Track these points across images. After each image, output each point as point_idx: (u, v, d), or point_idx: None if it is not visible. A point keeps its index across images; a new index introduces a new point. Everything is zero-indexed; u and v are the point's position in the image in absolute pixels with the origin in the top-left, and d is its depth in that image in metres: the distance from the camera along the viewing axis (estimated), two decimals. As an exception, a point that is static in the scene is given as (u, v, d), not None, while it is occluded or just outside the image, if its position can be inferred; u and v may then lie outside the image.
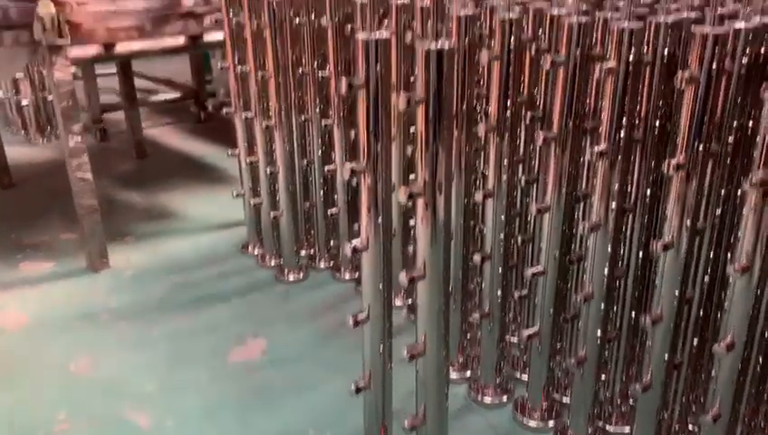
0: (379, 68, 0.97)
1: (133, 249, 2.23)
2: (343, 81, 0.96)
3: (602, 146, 1.12)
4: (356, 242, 1.08)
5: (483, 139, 1.38)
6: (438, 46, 0.88)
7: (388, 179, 1.06)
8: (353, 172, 1.02)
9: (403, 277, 0.99)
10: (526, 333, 1.34)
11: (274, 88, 1.84)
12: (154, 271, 2.08)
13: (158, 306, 1.87)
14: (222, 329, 1.76)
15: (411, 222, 1.71)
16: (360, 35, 0.96)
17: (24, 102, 3.44)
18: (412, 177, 1.61)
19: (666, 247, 1.07)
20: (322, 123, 1.88)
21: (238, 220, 2.31)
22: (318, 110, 1.89)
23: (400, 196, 0.96)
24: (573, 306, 1.36)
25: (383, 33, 0.97)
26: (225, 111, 2.03)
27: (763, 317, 1.04)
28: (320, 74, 1.79)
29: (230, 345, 1.68)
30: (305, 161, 2.00)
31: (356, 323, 1.12)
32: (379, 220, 1.08)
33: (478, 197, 1.35)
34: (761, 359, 1.13)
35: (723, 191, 1.14)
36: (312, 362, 1.62)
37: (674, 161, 1.03)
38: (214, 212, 2.51)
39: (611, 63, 1.09)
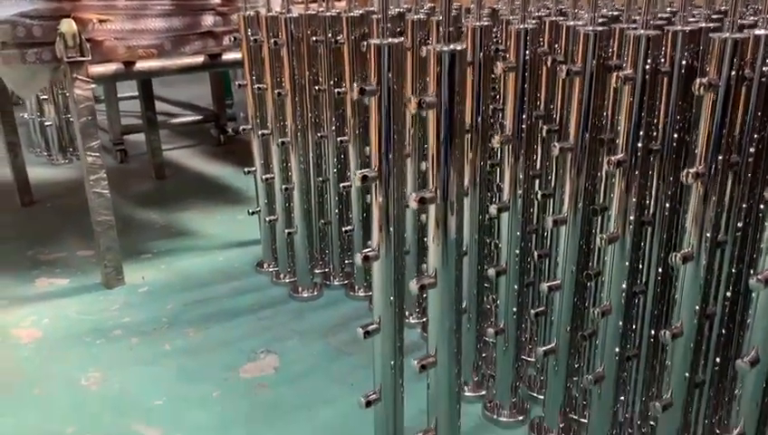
0: (391, 75, 0.96)
1: (149, 266, 2.23)
2: (355, 87, 0.96)
3: (620, 155, 1.10)
4: (367, 251, 1.07)
5: (498, 151, 1.37)
6: (451, 48, 0.87)
7: (401, 188, 1.05)
8: (365, 179, 1.01)
9: (413, 285, 0.97)
10: (542, 349, 1.31)
11: (291, 105, 1.85)
12: (168, 288, 2.08)
13: (171, 322, 1.86)
14: (234, 345, 1.74)
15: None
16: (374, 41, 0.96)
17: (48, 123, 3.50)
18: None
19: (685, 259, 1.05)
20: (338, 140, 1.88)
21: (254, 239, 2.32)
22: (334, 128, 1.89)
23: (411, 202, 0.94)
24: (591, 322, 1.33)
25: (396, 40, 0.96)
26: (242, 127, 2.04)
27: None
28: (336, 91, 1.80)
29: (242, 361, 1.66)
30: (320, 179, 1.99)
31: (366, 335, 1.10)
32: (391, 229, 1.07)
33: (493, 210, 1.32)
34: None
35: (744, 205, 1.12)
36: (324, 379, 1.59)
37: (692, 170, 1.01)
38: (230, 231, 2.52)
39: (628, 71, 1.07)
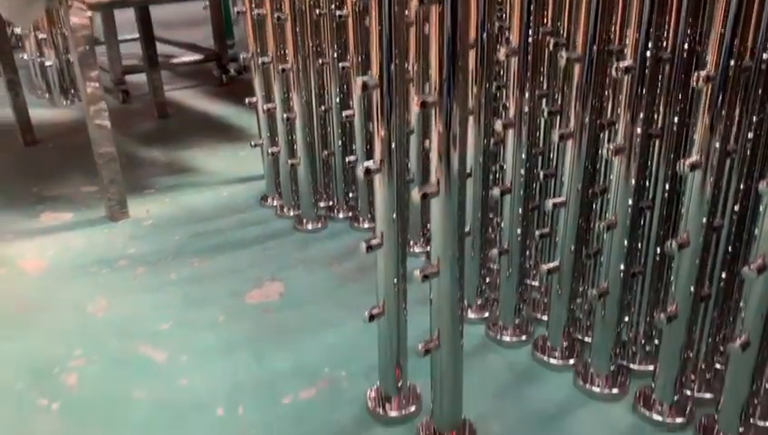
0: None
1: (153, 201, 2.23)
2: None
3: (628, 62, 1.07)
4: (369, 163, 1.05)
5: (504, 69, 1.34)
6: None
7: (403, 96, 1.03)
8: (366, 86, 0.98)
9: (416, 194, 0.96)
10: (546, 267, 1.30)
11: (291, 32, 1.80)
12: (173, 221, 2.08)
13: (177, 253, 1.87)
14: (239, 273, 1.75)
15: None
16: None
17: (48, 64, 3.45)
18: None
19: (693, 167, 1.02)
20: (340, 67, 1.84)
21: (257, 175, 2.30)
22: (336, 54, 1.85)
23: (414, 105, 0.92)
24: (596, 240, 1.32)
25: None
26: (242, 56, 2.01)
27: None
28: (338, 15, 1.75)
29: (247, 288, 1.67)
30: (323, 108, 1.96)
31: (369, 249, 1.09)
32: (393, 144, 1.05)
33: (499, 127, 1.30)
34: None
35: (754, 117, 1.09)
36: (328, 304, 1.60)
37: (703, 73, 0.98)
38: (233, 167, 2.50)
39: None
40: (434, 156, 0.96)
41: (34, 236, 2.00)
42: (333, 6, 1.77)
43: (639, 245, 1.28)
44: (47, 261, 1.84)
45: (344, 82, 1.90)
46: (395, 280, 1.15)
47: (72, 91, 3.54)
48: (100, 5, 1.91)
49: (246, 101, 2.03)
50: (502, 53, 1.22)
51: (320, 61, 1.87)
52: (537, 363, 1.37)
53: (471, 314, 1.52)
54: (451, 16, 0.87)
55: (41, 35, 3.43)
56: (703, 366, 1.28)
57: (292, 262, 1.81)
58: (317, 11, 1.80)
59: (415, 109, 0.93)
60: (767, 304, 1.03)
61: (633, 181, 1.16)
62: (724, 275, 1.20)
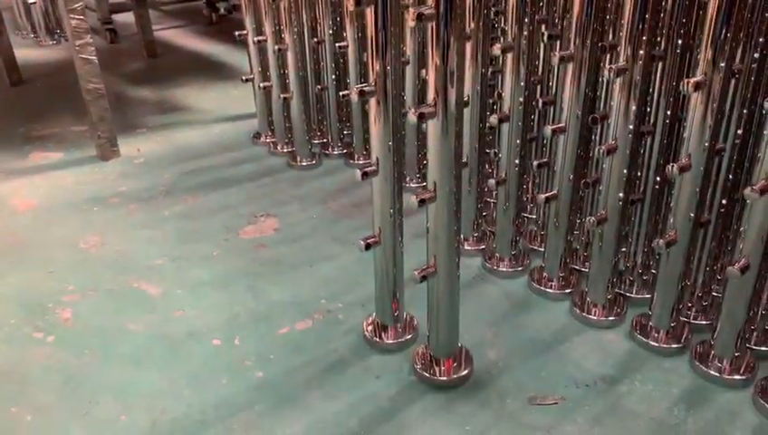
0: None
1: (144, 140, 2.19)
2: None
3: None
4: (363, 85, 1.02)
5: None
6: None
7: (399, 22, 0.98)
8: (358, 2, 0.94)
9: (411, 114, 0.93)
10: (544, 196, 1.28)
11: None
12: (165, 159, 2.04)
13: (169, 190, 1.84)
14: (233, 209, 1.73)
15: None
16: None
17: (32, 2, 3.35)
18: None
19: (697, 87, 0.99)
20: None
21: (250, 113, 2.26)
22: None
23: (409, 20, 0.88)
24: (595, 168, 1.30)
25: None
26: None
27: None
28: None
29: (241, 223, 1.65)
30: (315, 40, 1.91)
31: (365, 175, 1.07)
32: (388, 66, 1.01)
33: (497, 51, 1.26)
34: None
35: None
36: (323, 238, 1.58)
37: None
38: (225, 106, 2.45)
39: None
40: (431, 79, 0.93)
41: (24, 176, 1.96)
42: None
43: (639, 172, 1.26)
44: (38, 199, 1.82)
45: (337, 13, 1.84)
46: (391, 209, 1.13)
47: (58, 30, 3.45)
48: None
49: (236, 33, 1.97)
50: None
51: None
52: (534, 293, 1.36)
53: (467, 247, 1.50)
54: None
55: (23, -28, 3.32)
56: (700, 294, 1.28)
57: (286, 198, 1.78)
58: None
59: (411, 23, 0.88)
60: (767, 226, 1.01)
61: (634, 106, 1.13)
62: (724, 202, 1.19)
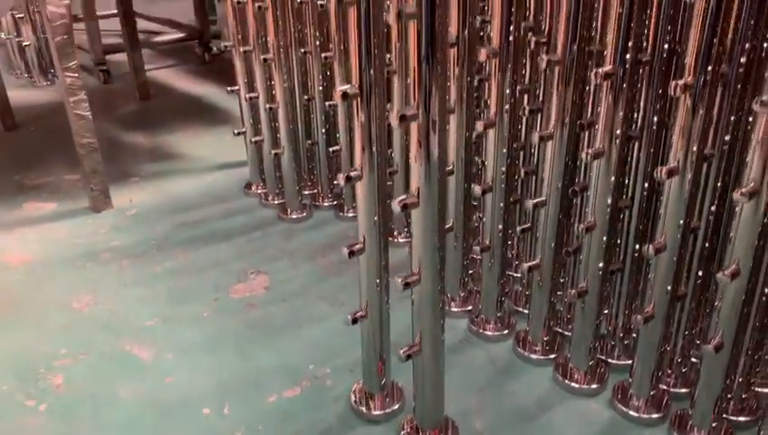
0: (371, -16, 0.92)
1: (136, 190, 2.22)
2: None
3: (608, 67, 1.07)
4: (350, 171, 1.05)
5: (485, 66, 1.33)
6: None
7: (384, 105, 1.02)
8: (345, 96, 0.98)
9: (396, 204, 0.96)
10: (527, 265, 1.32)
11: (272, 19, 1.78)
12: (157, 210, 2.07)
13: (161, 245, 1.87)
14: (224, 266, 1.75)
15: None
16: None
17: (26, 43, 3.39)
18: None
19: (671, 174, 1.03)
20: (323, 57, 1.82)
21: (241, 161, 2.29)
22: (318, 42, 1.84)
23: (393, 120, 0.92)
24: (576, 238, 1.34)
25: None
26: (223, 45, 1.98)
27: (769, 245, 1.01)
28: (319, 4, 1.73)
29: (232, 281, 1.68)
30: (306, 97, 1.95)
31: (351, 254, 1.10)
32: (374, 148, 1.05)
33: (479, 127, 1.30)
34: (766, 289, 1.10)
35: (732, 117, 1.10)
36: (313, 298, 1.61)
37: (681, 82, 0.98)
38: (217, 153, 2.49)
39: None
40: (413, 166, 0.96)
41: (17, 228, 1.99)
42: (315, -5, 1.75)
43: (619, 241, 1.30)
44: (32, 254, 1.84)
45: (327, 70, 1.89)
46: (377, 281, 1.16)
47: (52, 70, 3.49)
48: (76, -6, 1.87)
49: (228, 89, 2.01)
50: (483, 53, 1.22)
51: (302, 50, 1.85)
52: (518, 358, 1.39)
53: (454, 308, 1.53)
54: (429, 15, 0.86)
55: (18, 14, 3.36)
56: (679, 359, 1.31)
57: (276, 253, 1.81)
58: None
59: (395, 124, 0.92)
60: (739, 306, 1.05)
61: (612, 181, 1.17)
62: (700, 273, 1.22)
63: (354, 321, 1.16)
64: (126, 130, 2.78)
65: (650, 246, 1.09)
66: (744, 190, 0.96)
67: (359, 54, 0.97)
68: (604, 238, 1.22)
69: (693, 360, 1.31)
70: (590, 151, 1.12)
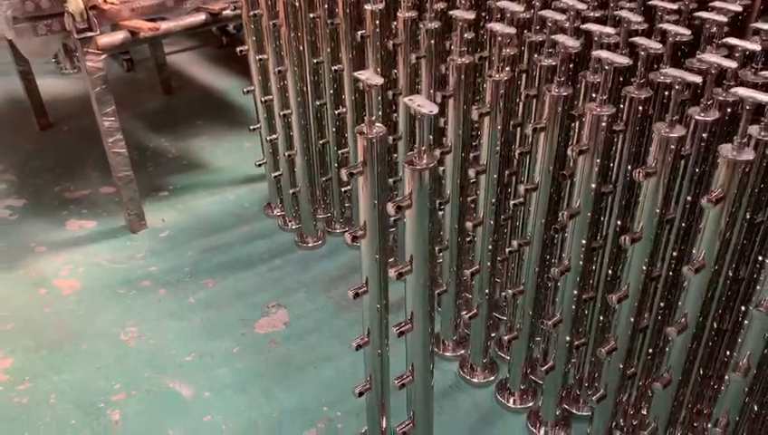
0: None
1: (167, 207, 2.46)
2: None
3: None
4: (354, 231, 1.23)
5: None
6: None
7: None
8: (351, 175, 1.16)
9: (392, 272, 1.17)
10: (507, 337, 1.56)
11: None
12: (186, 232, 2.32)
13: (192, 272, 2.12)
14: (248, 297, 2.01)
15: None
16: None
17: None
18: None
19: (633, 241, 1.21)
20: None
21: (261, 174, 2.47)
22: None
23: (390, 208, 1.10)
24: (550, 311, 1.57)
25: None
26: (243, 90, 2.17)
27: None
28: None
29: (256, 315, 1.94)
30: (321, 142, 2.14)
31: (356, 296, 1.29)
32: (375, 201, 1.23)
33: (472, 173, 1.47)
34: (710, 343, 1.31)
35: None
36: (326, 335, 1.87)
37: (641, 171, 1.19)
38: (239, 162, 2.73)
39: None
40: (408, 238, 1.17)
41: (64, 249, 2.24)
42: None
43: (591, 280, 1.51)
44: (80, 280, 2.10)
45: (340, 122, 2.06)
46: (379, 317, 1.34)
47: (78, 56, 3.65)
48: (112, 47, 2.05)
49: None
50: (471, 172, 1.42)
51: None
52: (498, 405, 1.65)
53: (446, 353, 1.79)
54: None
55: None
56: (632, 412, 1.57)
57: (294, 285, 2.07)
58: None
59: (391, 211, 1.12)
60: (685, 354, 1.25)
61: (584, 241, 1.38)
62: (650, 351, 1.46)
63: (360, 394, 1.41)
64: (152, 131, 3.00)
65: (614, 296, 1.30)
66: (691, 266, 1.13)
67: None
68: (571, 322, 1.45)
69: (643, 413, 1.56)
70: (564, 213, 1.32)
